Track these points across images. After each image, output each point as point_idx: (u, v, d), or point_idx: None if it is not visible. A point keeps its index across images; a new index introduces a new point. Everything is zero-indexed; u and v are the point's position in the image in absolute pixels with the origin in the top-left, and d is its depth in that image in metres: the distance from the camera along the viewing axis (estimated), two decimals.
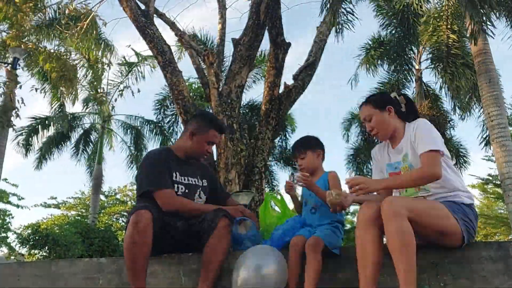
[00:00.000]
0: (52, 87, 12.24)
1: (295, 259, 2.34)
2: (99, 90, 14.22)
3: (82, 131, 16.62)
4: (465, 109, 12.22)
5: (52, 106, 14.37)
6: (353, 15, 8.31)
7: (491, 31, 8.24)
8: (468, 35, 9.19)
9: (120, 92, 11.73)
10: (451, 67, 10.36)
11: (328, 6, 7.96)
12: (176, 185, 2.55)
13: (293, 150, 2.70)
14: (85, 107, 16.17)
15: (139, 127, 16.45)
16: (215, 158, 6.89)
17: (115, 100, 13.87)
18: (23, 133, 15.12)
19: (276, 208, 2.98)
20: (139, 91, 12.49)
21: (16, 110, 10.08)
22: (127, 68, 15.66)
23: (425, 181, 2.13)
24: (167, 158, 2.59)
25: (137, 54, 14.93)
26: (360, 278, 1.95)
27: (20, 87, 10.34)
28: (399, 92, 2.53)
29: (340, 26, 8.15)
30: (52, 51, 10.44)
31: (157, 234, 2.24)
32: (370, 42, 12.98)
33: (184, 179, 2.60)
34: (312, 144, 2.65)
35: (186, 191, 2.58)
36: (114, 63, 14.23)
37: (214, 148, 7.53)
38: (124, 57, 15.26)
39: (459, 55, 10.46)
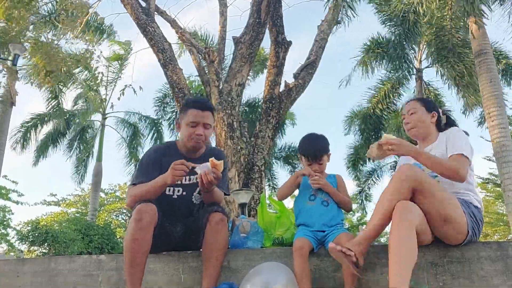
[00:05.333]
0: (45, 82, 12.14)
1: (302, 264, 2.21)
2: (91, 86, 14.21)
3: (79, 128, 16.62)
4: (469, 107, 12.24)
5: (49, 102, 14.37)
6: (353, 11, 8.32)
7: (482, 21, 8.28)
8: (470, 34, 9.22)
9: (122, 90, 11.70)
10: (459, 66, 10.37)
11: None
12: (172, 188, 2.45)
13: (311, 155, 2.49)
14: (83, 105, 16.17)
15: (137, 123, 16.46)
16: None
17: (118, 98, 13.82)
18: (21, 130, 15.15)
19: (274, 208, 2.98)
20: (141, 88, 12.52)
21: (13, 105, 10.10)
22: (119, 63, 15.74)
23: (450, 174, 2.12)
24: (164, 155, 2.44)
25: (119, 43, 14.94)
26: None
27: (19, 79, 10.35)
28: (444, 111, 2.64)
29: (342, 13, 8.13)
30: (42, 43, 10.34)
31: (156, 237, 2.23)
32: (369, 43, 12.97)
33: (184, 179, 2.47)
34: (327, 147, 2.55)
35: (184, 193, 2.48)
36: (105, 57, 14.23)
37: (213, 145, 7.56)
38: (113, 51, 15.35)
39: (466, 53, 10.46)
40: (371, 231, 1.99)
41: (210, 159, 2.23)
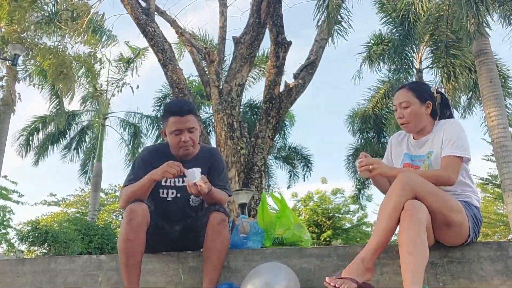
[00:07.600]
0: (51, 84, 12.22)
1: None
2: (97, 87, 14.25)
3: (79, 128, 16.62)
4: (461, 108, 12.24)
5: (51, 103, 14.36)
6: (348, 20, 8.31)
7: (487, 32, 8.29)
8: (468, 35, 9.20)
9: (119, 88, 11.73)
10: (448, 67, 10.36)
11: (323, 9, 7.92)
12: (165, 190, 2.42)
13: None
14: (83, 106, 16.21)
15: (138, 124, 16.45)
16: None
17: (113, 95, 13.85)
18: (25, 134, 15.17)
19: (276, 207, 2.96)
20: (138, 87, 12.52)
21: (14, 106, 10.10)
22: (124, 65, 15.68)
23: (437, 185, 2.04)
24: (156, 157, 2.39)
25: (131, 48, 14.90)
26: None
27: (19, 81, 10.37)
28: (438, 89, 2.40)
29: (335, 31, 8.13)
30: (51, 47, 10.40)
31: (153, 238, 2.23)
32: (373, 40, 13.00)
33: (178, 181, 2.42)
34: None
35: (178, 195, 2.43)
36: (111, 59, 14.27)
37: (214, 145, 7.56)
38: (121, 53, 15.31)
39: (458, 55, 10.45)
40: (377, 244, 1.88)
41: (197, 181, 2.16)
